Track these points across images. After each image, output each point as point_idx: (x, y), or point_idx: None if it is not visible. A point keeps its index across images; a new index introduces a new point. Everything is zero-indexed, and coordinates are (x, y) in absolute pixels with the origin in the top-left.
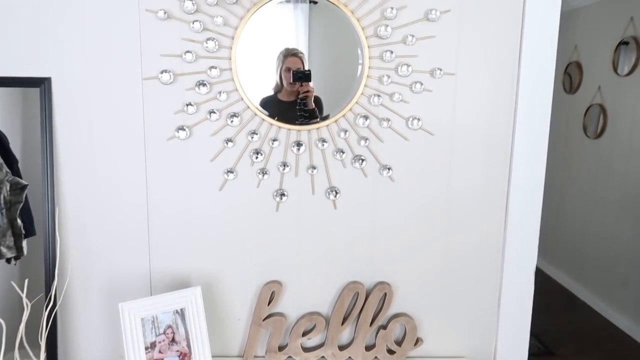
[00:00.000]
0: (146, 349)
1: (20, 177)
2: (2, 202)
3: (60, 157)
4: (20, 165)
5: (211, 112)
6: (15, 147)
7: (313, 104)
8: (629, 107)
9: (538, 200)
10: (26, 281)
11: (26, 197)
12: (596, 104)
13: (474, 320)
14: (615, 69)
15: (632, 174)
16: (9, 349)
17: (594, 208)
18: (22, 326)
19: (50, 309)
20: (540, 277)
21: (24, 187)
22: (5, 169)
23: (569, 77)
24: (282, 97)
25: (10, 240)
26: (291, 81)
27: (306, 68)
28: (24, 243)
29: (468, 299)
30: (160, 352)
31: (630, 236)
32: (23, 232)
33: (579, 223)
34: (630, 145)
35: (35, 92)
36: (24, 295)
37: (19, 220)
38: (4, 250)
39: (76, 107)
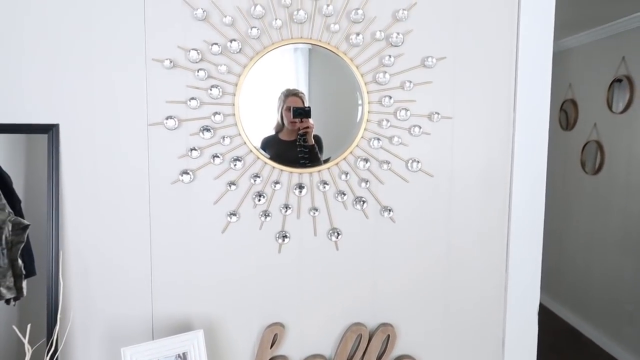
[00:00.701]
0: None
1: (23, 217)
2: (3, 242)
3: (65, 201)
4: (22, 205)
5: (215, 156)
6: (18, 186)
7: (312, 140)
8: (625, 144)
9: (538, 238)
10: (28, 326)
11: (27, 236)
12: (593, 140)
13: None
14: (609, 107)
15: (631, 208)
16: None
17: (596, 243)
18: None
19: (52, 354)
20: (545, 315)
21: (26, 227)
22: (8, 209)
23: (565, 114)
24: (283, 136)
25: (10, 280)
26: (292, 118)
27: (306, 105)
28: (24, 284)
29: (472, 340)
30: None
31: (634, 272)
32: (24, 272)
33: (581, 259)
34: (628, 180)
35: (40, 135)
36: (25, 341)
37: (19, 261)
38: (4, 291)
39: (82, 152)
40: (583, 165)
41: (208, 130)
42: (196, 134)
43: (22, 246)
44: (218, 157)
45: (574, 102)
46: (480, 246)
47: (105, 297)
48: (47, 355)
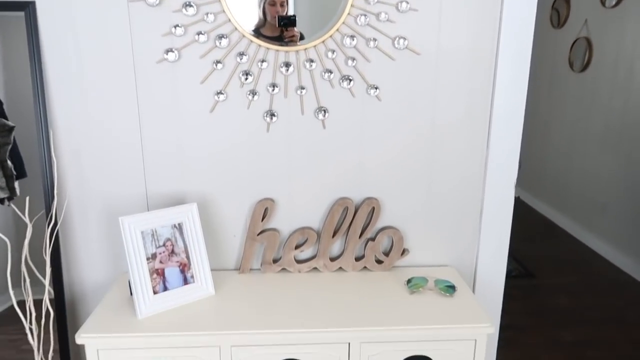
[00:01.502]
0: (147, 259)
1: (6, 119)
2: None
3: (49, 83)
4: (5, 107)
5: (199, 33)
6: None
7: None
8: (614, 40)
9: (519, 118)
10: (27, 198)
11: (14, 139)
12: (582, 37)
13: (457, 232)
14: (602, 2)
15: (614, 106)
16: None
17: (577, 141)
18: (26, 242)
19: (52, 226)
20: (524, 209)
21: (11, 128)
22: None
23: (557, 12)
24: (266, 32)
25: (1, 181)
26: (277, 25)
27: (291, 13)
28: (16, 184)
29: (451, 213)
30: (160, 262)
31: (610, 166)
32: (14, 173)
33: (562, 156)
34: (614, 77)
35: (14, 29)
36: (26, 216)
37: (9, 162)
38: None
39: (63, 32)
40: (571, 63)
41: (191, 5)
42: (179, 11)
43: (9, 148)
44: (202, 34)
45: None
46: (463, 124)
47: (98, 177)
48: (47, 228)
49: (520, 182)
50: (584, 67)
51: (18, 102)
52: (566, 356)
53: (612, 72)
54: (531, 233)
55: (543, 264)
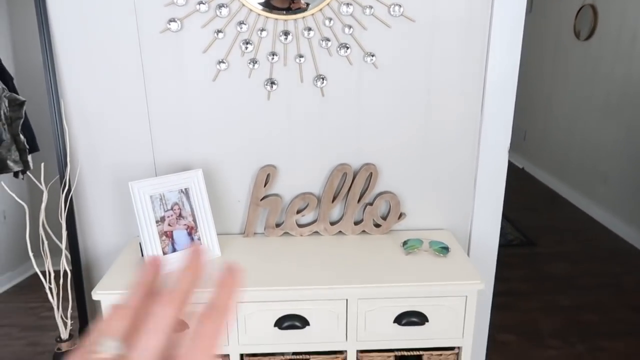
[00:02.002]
0: (156, 222)
1: (17, 94)
2: (2, 118)
3: (58, 56)
4: (15, 82)
5: (200, 3)
6: (7, 65)
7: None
8: (619, 7)
9: (513, 82)
10: (42, 165)
11: (25, 114)
12: (588, 4)
13: (453, 196)
14: None
15: (617, 74)
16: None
17: (580, 110)
18: (42, 205)
19: (67, 192)
20: (526, 179)
21: (22, 103)
22: (1, 85)
23: None
24: (275, 2)
25: (15, 154)
26: None
27: None
28: (29, 158)
29: (447, 177)
30: (169, 225)
31: (612, 135)
32: (27, 147)
33: (564, 125)
34: (618, 46)
35: (22, 5)
36: (42, 182)
37: (21, 136)
38: (11, 164)
39: (69, 4)
40: (576, 32)
41: None
42: None
43: (21, 122)
44: (203, 4)
45: None
46: (457, 90)
47: (108, 145)
48: (62, 193)
49: (524, 153)
50: (589, 36)
51: (28, 79)
52: (563, 319)
53: (616, 40)
54: (533, 203)
55: (544, 233)
